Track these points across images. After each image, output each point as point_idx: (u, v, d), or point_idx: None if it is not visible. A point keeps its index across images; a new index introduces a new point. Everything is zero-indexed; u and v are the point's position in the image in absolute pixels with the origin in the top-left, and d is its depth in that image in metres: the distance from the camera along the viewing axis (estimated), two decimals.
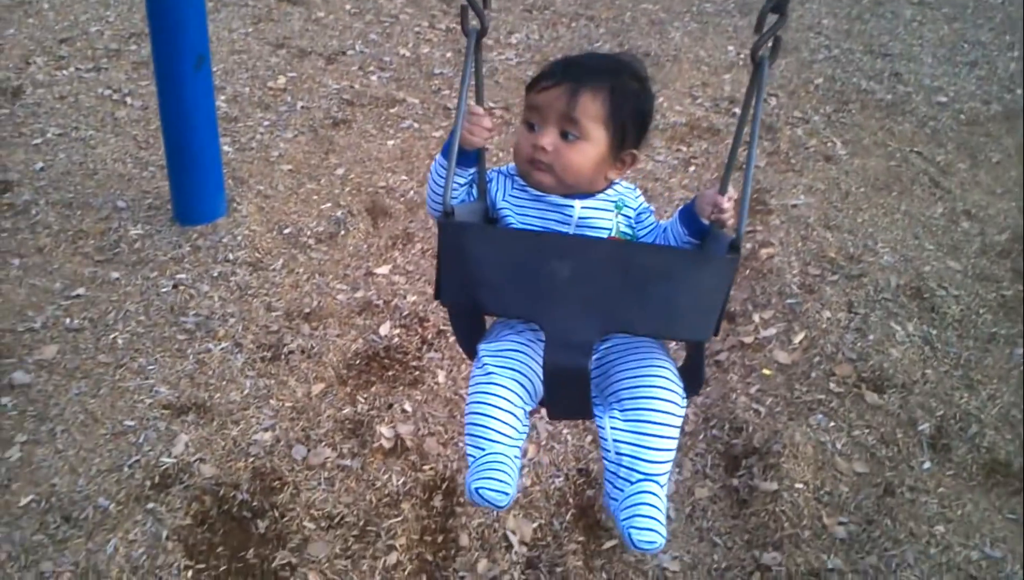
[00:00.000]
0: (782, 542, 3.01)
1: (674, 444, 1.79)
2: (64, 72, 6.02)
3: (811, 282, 4.25)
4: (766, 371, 3.75)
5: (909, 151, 5.61)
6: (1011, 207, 5.03)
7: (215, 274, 4.11)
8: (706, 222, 1.87)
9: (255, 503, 3.05)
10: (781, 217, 4.75)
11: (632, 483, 1.76)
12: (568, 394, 1.78)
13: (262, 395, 3.49)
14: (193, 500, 3.03)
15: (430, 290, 4.11)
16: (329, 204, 4.72)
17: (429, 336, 3.86)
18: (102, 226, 4.39)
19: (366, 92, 6.06)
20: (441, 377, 3.66)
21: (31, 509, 2.95)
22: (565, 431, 3.45)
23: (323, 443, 3.30)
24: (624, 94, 1.87)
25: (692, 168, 5.26)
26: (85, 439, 3.24)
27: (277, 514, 3.02)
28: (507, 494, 1.72)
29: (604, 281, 1.71)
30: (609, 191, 1.96)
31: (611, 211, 1.94)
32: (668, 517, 3.09)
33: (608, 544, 3.03)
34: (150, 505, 2.99)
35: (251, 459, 3.21)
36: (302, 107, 5.78)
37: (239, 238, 4.34)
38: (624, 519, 1.72)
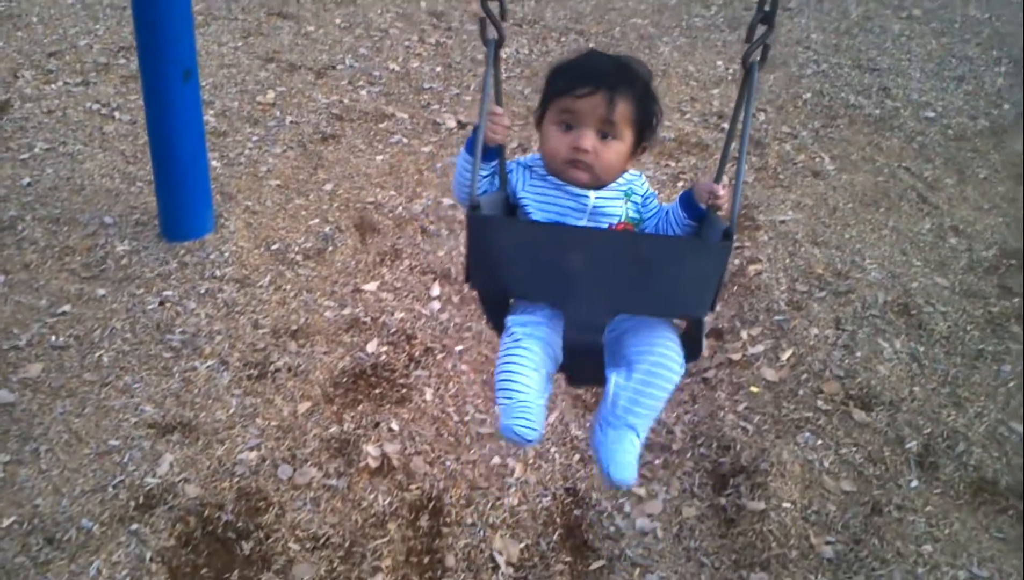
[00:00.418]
0: (769, 562, 3.01)
1: (662, 405, 2.03)
2: (52, 86, 6.00)
3: (799, 299, 4.25)
4: (754, 389, 3.75)
5: (897, 166, 5.63)
6: (998, 223, 5.04)
7: (202, 291, 4.09)
8: (703, 207, 2.08)
9: (240, 524, 3.04)
10: (769, 233, 4.76)
11: (616, 429, 1.99)
12: (584, 365, 2.06)
13: (248, 414, 3.48)
14: (177, 521, 3.01)
15: (418, 306, 4.11)
16: (317, 220, 4.71)
17: (416, 354, 3.85)
18: (89, 242, 4.37)
19: (355, 107, 6.05)
20: (428, 395, 3.64)
21: (13, 531, 2.93)
22: (553, 450, 3.45)
23: (309, 463, 3.28)
24: (645, 98, 2.10)
25: (680, 183, 5.26)
26: (69, 459, 3.22)
27: (262, 535, 3.00)
28: (535, 430, 1.95)
29: (614, 269, 1.93)
30: (619, 180, 2.16)
31: (620, 199, 2.15)
32: (655, 536, 3.11)
33: (595, 565, 3.02)
34: (134, 526, 2.97)
35: (236, 479, 3.19)
36: (291, 122, 5.78)
37: (226, 254, 4.33)
38: (605, 456, 1.97)
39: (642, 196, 2.19)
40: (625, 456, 1.97)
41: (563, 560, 3.03)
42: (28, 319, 3.86)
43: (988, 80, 7.06)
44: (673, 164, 5.50)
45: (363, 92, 6.31)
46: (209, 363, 3.70)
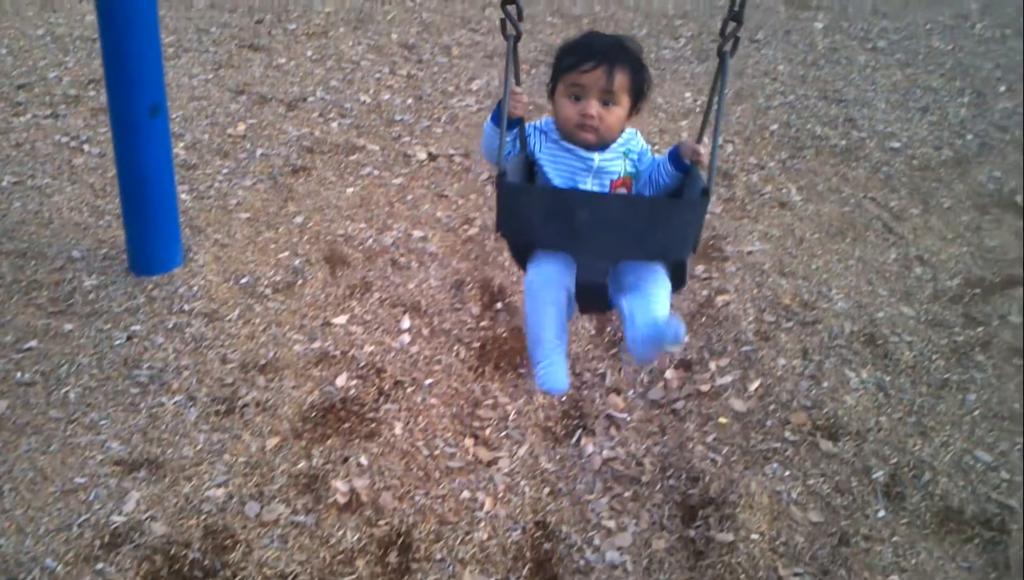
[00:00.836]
0: None
1: (667, 306, 2.47)
2: (21, 119, 5.98)
3: (766, 329, 4.29)
4: (722, 420, 3.77)
5: (863, 197, 5.70)
6: (962, 252, 5.11)
7: (170, 326, 4.07)
8: (688, 163, 2.55)
9: (207, 562, 3.01)
10: (737, 264, 4.80)
11: (644, 315, 2.42)
12: (593, 299, 2.60)
13: (215, 450, 3.46)
14: (143, 560, 2.99)
15: (387, 340, 4.11)
16: (287, 253, 4.71)
17: (386, 387, 3.85)
18: (56, 277, 4.35)
19: (326, 139, 6.07)
20: (398, 429, 3.64)
21: None
22: (523, 483, 3.45)
23: (277, 499, 3.27)
24: (639, 70, 2.53)
25: None
26: (34, 497, 3.19)
27: (229, 573, 2.98)
28: (565, 382, 2.47)
29: (615, 225, 2.39)
30: (619, 140, 2.60)
31: (620, 158, 2.60)
32: (625, 570, 3.11)
33: None
34: (99, 565, 2.95)
35: (203, 516, 3.17)
36: (261, 154, 5.78)
37: (195, 288, 4.31)
38: (645, 326, 2.39)
39: (638, 153, 2.64)
40: (656, 309, 2.44)
41: None
42: None
43: (952, 111, 7.17)
44: None
45: (334, 124, 6.32)
46: (176, 398, 3.69)
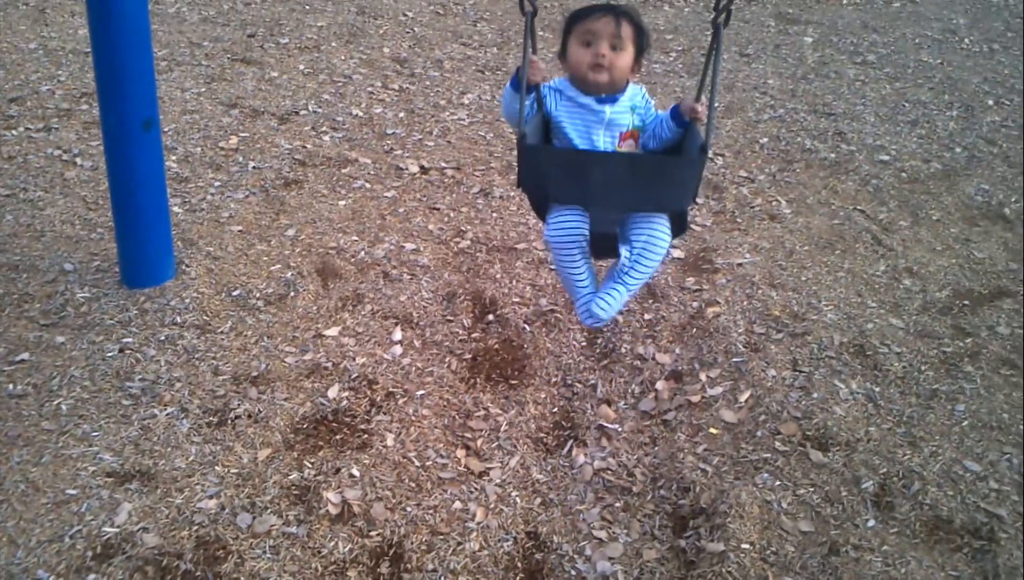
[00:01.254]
0: None
1: (652, 271, 2.88)
2: (13, 132, 5.99)
3: (756, 340, 4.31)
4: (713, 430, 3.79)
5: (852, 209, 5.74)
6: (951, 264, 5.15)
7: (162, 338, 4.08)
8: (687, 120, 2.83)
9: (198, 573, 3.01)
10: (727, 276, 4.83)
11: (614, 281, 2.89)
12: (605, 245, 2.85)
13: (207, 461, 3.46)
14: (135, 571, 2.98)
15: (379, 352, 4.12)
16: (279, 265, 4.72)
17: (378, 398, 3.86)
18: (48, 289, 4.36)
19: (318, 152, 6.09)
20: (390, 440, 3.65)
21: None
22: (514, 494, 3.46)
23: (269, 510, 3.27)
24: (640, 27, 2.88)
25: None
26: (26, 509, 3.18)
27: None
28: (605, 316, 2.91)
29: (622, 181, 2.66)
30: (627, 94, 2.89)
31: (628, 113, 2.89)
32: None
33: None
34: (91, 577, 2.95)
35: (195, 527, 3.17)
36: (254, 167, 5.80)
37: (187, 301, 4.32)
38: (596, 296, 2.91)
39: (644, 107, 2.92)
40: (610, 300, 2.89)
41: None
42: None
43: (940, 124, 7.23)
44: None
45: (326, 137, 6.35)
46: (168, 410, 3.69)
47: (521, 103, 2.66)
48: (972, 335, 4.48)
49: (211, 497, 3.30)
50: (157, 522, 3.18)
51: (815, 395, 3.97)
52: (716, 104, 2.61)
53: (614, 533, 3.32)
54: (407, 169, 5.94)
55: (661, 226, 2.82)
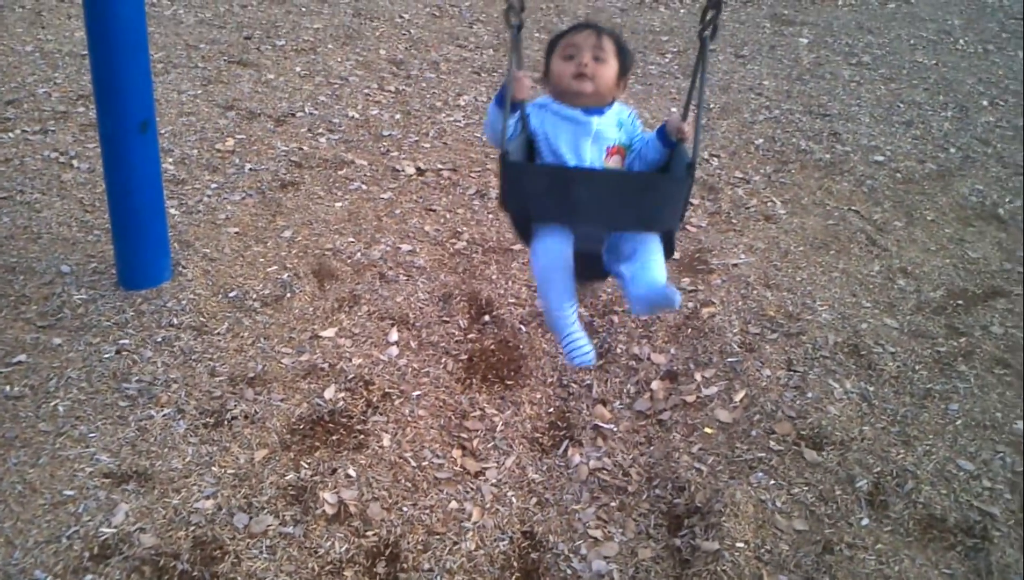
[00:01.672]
0: None
1: (664, 271, 2.70)
2: (10, 134, 6.00)
3: (751, 340, 4.33)
4: (708, 430, 3.80)
5: (847, 209, 5.76)
6: (945, 264, 5.17)
7: (159, 339, 4.09)
8: (674, 140, 2.75)
9: (195, 573, 3.02)
10: (722, 276, 4.85)
11: (644, 275, 2.68)
12: (590, 267, 2.82)
13: (204, 462, 3.47)
14: (132, 571, 2.99)
15: (375, 353, 4.14)
16: (275, 266, 4.74)
17: (374, 399, 3.87)
18: (45, 291, 4.37)
19: (315, 154, 6.11)
20: (386, 440, 3.66)
21: None
22: (510, 494, 3.47)
23: (265, 510, 3.28)
24: (622, 45, 2.87)
25: None
26: (23, 510, 3.19)
27: None
28: (591, 355, 2.80)
29: (608, 198, 2.57)
30: (613, 109, 2.84)
31: (615, 127, 2.82)
32: (612, 579, 3.13)
33: None
34: (88, 577, 2.95)
35: (192, 528, 3.18)
36: (250, 169, 5.81)
37: (184, 302, 4.33)
38: (646, 288, 2.65)
39: (630, 124, 2.86)
40: (658, 283, 2.66)
41: None
42: None
43: (935, 124, 7.25)
44: None
45: (322, 139, 6.36)
46: (165, 411, 3.70)
47: (504, 120, 2.59)
48: (966, 335, 4.49)
49: (208, 497, 3.32)
50: (154, 523, 3.19)
51: (809, 395, 3.99)
52: (703, 120, 2.56)
53: (609, 532, 3.34)
54: (403, 171, 5.95)
55: (652, 237, 2.75)
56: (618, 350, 4.26)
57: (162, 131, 6.08)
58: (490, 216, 5.41)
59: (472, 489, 3.49)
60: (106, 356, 3.97)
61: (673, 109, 7.23)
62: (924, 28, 10.08)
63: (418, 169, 6.00)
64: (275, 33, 8.47)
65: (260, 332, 4.22)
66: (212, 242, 4.91)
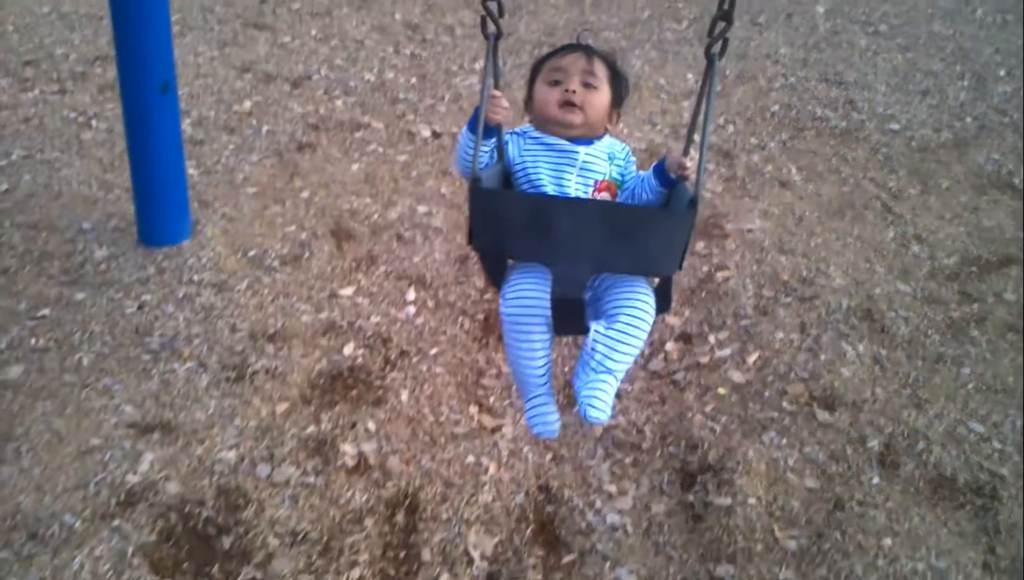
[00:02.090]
0: (735, 555, 3.10)
1: (636, 353, 2.32)
2: (29, 94, 6.05)
3: (765, 304, 4.36)
4: (721, 390, 3.85)
5: (862, 177, 5.77)
6: (959, 232, 5.18)
7: (180, 295, 4.15)
8: (673, 177, 2.33)
9: (220, 520, 3.10)
10: (737, 241, 4.88)
11: (597, 373, 2.26)
12: (569, 316, 2.34)
13: (227, 414, 3.54)
14: (158, 517, 3.06)
15: (393, 311, 4.19)
16: (294, 227, 4.78)
17: (392, 356, 3.93)
18: (67, 248, 4.42)
19: (331, 116, 6.13)
20: (404, 396, 3.72)
21: None
22: (526, 449, 3.53)
23: (287, 461, 3.35)
24: (615, 68, 2.49)
25: None
26: (51, 458, 3.26)
27: (242, 531, 3.06)
28: (555, 426, 2.46)
29: (595, 233, 2.17)
30: (604, 141, 2.46)
31: (605, 161, 2.42)
32: (626, 531, 3.19)
33: (567, 559, 3.10)
34: (116, 522, 3.03)
35: (216, 477, 3.25)
36: (267, 131, 5.85)
37: (204, 260, 4.39)
38: (584, 397, 2.23)
39: (623, 160, 2.48)
40: (602, 396, 2.24)
41: (536, 554, 3.11)
42: (8, 323, 3.90)
43: (951, 94, 7.23)
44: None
45: (338, 102, 6.39)
46: (188, 365, 3.76)
47: (477, 142, 2.22)
48: (979, 301, 4.52)
49: (231, 448, 3.38)
50: (179, 471, 3.26)
51: (822, 357, 4.03)
52: (707, 146, 2.13)
53: (624, 487, 3.39)
54: (419, 134, 5.98)
55: (643, 291, 2.34)
56: None
57: (180, 93, 6.07)
58: None
59: (489, 444, 3.55)
60: (128, 311, 4.03)
61: (691, 62, 7.23)
62: None
63: (434, 132, 6.02)
64: None
65: (279, 290, 4.27)
66: (231, 202, 4.95)
